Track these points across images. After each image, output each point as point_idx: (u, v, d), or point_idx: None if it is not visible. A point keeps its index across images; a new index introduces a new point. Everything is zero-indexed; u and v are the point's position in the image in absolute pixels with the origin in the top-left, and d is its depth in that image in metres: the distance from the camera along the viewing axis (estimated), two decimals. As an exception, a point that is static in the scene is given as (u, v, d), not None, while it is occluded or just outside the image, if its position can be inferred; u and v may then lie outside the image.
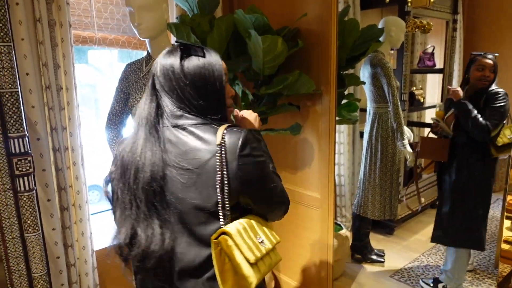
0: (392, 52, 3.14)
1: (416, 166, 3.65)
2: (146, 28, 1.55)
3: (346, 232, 2.64)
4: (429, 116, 3.84)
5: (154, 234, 0.92)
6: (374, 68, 2.55)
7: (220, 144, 0.91)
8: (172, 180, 0.93)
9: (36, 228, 1.42)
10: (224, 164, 0.91)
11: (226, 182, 0.91)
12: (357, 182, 2.97)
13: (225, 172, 0.91)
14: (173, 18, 2.14)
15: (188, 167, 0.92)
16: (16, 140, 1.35)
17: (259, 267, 0.92)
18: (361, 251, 2.83)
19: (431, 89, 3.94)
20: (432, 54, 3.44)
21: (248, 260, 0.89)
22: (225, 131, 0.94)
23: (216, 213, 0.92)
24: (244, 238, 0.91)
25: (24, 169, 1.37)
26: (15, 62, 1.34)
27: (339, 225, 2.71)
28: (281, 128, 2.03)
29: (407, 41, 3.05)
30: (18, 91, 1.34)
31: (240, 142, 0.93)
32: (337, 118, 2.23)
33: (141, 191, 0.93)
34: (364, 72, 2.67)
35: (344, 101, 2.35)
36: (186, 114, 0.96)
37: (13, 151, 1.35)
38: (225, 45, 1.88)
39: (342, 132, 2.97)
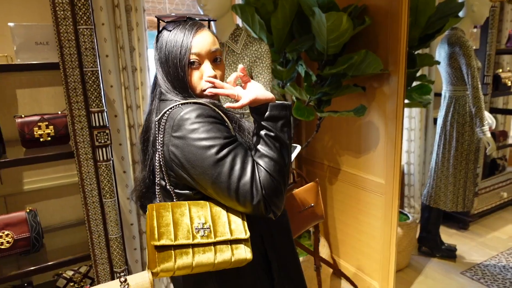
0: (475, 30, 2.85)
1: (499, 158, 3.31)
2: (211, 8, 1.60)
3: (413, 222, 2.50)
4: (517, 101, 3.44)
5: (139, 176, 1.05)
6: (451, 47, 2.34)
7: (158, 121, 0.88)
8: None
9: (112, 194, 1.58)
10: (161, 143, 0.87)
11: (162, 161, 0.88)
12: (428, 171, 2.78)
13: (159, 151, 0.88)
14: None
15: (151, 140, 0.96)
16: (96, 115, 1.51)
17: (176, 255, 0.81)
18: (429, 244, 2.67)
19: (522, 72, 3.50)
20: (525, 32, 3.06)
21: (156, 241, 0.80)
22: (173, 109, 0.89)
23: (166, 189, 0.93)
24: (176, 218, 0.84)
25: (102, 141, 1.53)
26: (95, 44, 1.48)
27: (405, 214, 2.58)
28: (344, 110, 1.97)
29: (493, 18, 2.74)
30: (98, 70, 1.48)
31: (173, 121, 0.86)
32: (406, 101, 2.11)
33: (142, 151, 1.03)
34: (440, 52, 2.46)
35: (415, 83, 2.21)
36: (162, 90, 0.97)
37: (94, 124, 1.51)
38: (289, 25, 1.87)
39: (414, 117, 2.80)
